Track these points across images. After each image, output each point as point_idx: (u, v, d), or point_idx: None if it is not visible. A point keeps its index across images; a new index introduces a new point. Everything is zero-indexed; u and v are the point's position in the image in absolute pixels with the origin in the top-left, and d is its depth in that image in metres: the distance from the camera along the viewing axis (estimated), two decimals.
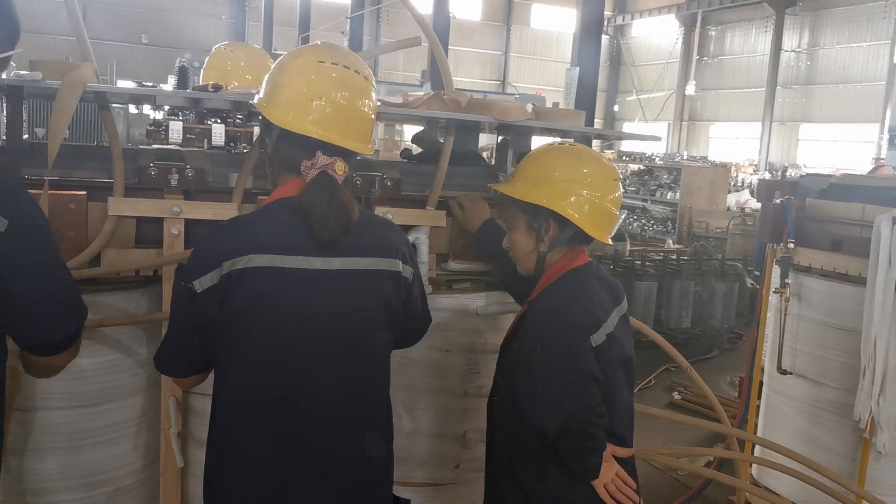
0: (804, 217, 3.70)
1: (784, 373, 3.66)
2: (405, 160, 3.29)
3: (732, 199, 13.66)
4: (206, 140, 5.61)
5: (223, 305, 1.75)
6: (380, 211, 2.52)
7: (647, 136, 2.91)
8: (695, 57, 29.74)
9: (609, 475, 2.10)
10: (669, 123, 30.76)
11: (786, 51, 27.04)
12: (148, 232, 2.42)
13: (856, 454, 3.40)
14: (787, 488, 3.65)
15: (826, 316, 3.55)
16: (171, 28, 28.82)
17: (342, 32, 22.36)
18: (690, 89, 29.00)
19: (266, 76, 1.90)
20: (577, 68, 13.51)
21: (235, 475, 1.83)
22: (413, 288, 1.99)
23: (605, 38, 32.17)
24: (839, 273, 3.49)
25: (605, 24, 31.98)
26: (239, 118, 6.92)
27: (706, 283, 7.92)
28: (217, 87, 2.23)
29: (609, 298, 2.16)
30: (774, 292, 3.71)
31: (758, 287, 8.39)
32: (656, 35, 31.71)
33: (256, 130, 10.32)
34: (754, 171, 23.71)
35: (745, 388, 4.10)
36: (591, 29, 13.86)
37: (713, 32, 29.92)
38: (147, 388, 2.52)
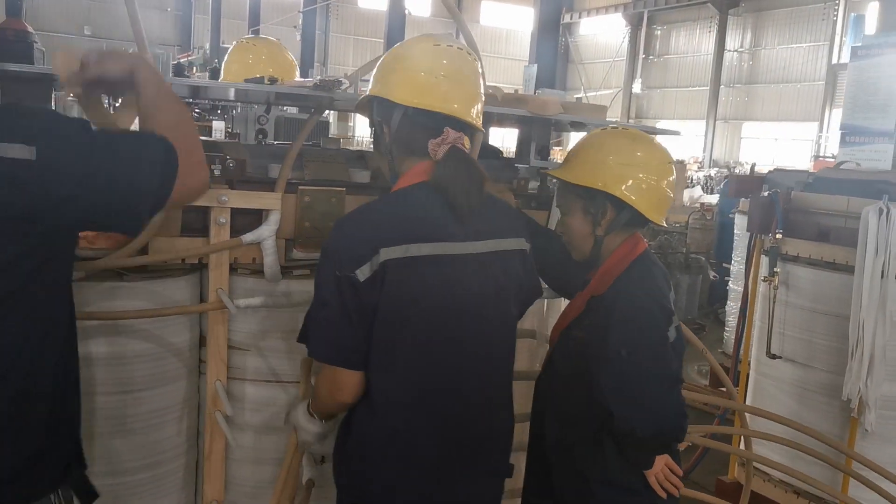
0: (790, 209, 3.89)
1: (773, 357, 3.85)
2: None
3: (686, 195, 14.02)
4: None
5: (382, 294, 1.79)
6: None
7: (670, 131, 3.04)
8: (641, 56, 30.34)
9: (659, 465, 2.18)
10: (616, 121, 31.31)
11: (729, 50, 27.76)
12: (191, 221, 2.46)
13: (843, 433, 3.60)
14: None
15: (813, 302, 3.74)
16: (115, 19, 28.24)
17: (294, 27, 22.26)
18: (637, 87, 29.58)
19: (377, 68, 1.98)
20: (535, 66, 13.72)
21: (398, 465, 1.89)
22: (531, 261, 2.08)
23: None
24: (827, 261, 3.69)
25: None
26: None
27: (671, 275, 8.15)
28: (273, 80, 2.28)
29: (666, 285, 2.22)
30: (763, 281, 3.89)
31: (719, 278, 8.70)
32: (603, 33, 32.21)
33: (219, 126, 10.32)
34: (699, 167, 24.30)
35: (732, 372, 4.29)
36: (548, 27, 14.13)
37: (659, 32, 30.54)
38: (188, 375, 2.57)
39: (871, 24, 24.41)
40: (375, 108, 1.96)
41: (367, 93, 1.98)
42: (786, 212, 3.87)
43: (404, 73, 1.89)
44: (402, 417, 1.88)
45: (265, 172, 2.60)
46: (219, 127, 10.46)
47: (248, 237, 2.45)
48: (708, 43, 28.35)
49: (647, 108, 30.98)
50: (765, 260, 3.94)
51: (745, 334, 4.13)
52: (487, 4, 32.93)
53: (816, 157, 20.91)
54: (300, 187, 2.53)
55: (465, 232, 1.90)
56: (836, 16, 24.63)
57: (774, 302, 3.82)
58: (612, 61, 31.09)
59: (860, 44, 9.00)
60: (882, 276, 3.40)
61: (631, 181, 2.20)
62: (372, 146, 2.48)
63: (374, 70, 1.99)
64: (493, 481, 2.08)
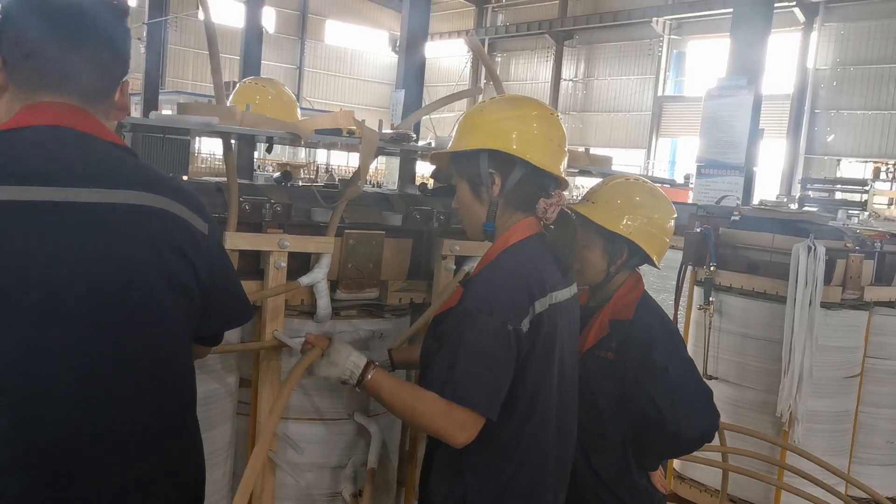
0: (719, 243, 4.34)
1: (709, 378, 4.27)
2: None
3: None
4: None
5: (535, 344, 1.93)
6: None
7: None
8: (483, 80, 31.36)
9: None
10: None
11: (565, 79, 29.28)
12: (244, 264, 2.49)
13: (774, 446, 4.05)
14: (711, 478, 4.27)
15: (744, 328, 4.19)
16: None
17: (139, 39, 21.36)
18: None
19: (488, 122, 2.06)
20: (403, 91, 13.96)
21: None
22: None
23: (391, 58, 33.10)
24: (757, 291, 4.15)
25: (398, 43, 32.88)
26: None
27: None
28: (351, 133, 2.36)
29: None
30: (699, 309, 4.31)
31: None
32: (447, 58, 33.05)
33: None
34: None
35: None
36: (414, 53, 14.39)
37: (499, 58, 31.72)
38: (233, 417, 2.59)
39: (691, 61, 26.64)
40: (488, 160, 2.03)
41: (479, 145, 2.03)
42: (716, 246, 4.31)
43: (531, 135, 2.04)
44: (539, 460, 2.04)
45: (307, 216, 2.67)
46: None
47: (305, 280, 2.52)
48: (545, 71, 29.76)
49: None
50: (697, 290, 4.36)
51: None
52: (332, 24, 32.94)
53: None
54: (346, 231, 2.62)
55: (565, 280, 2.12)
56: (661, 52, 26.61)
57: (710, 328, 4.24)
58: (456, 84, 31.94)
59: (714, 85, 9.92)
60: (810, 305, 3.88)
61: (647, 230, 2.52)
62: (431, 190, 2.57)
63: (475, 121, 2.08)
64: None
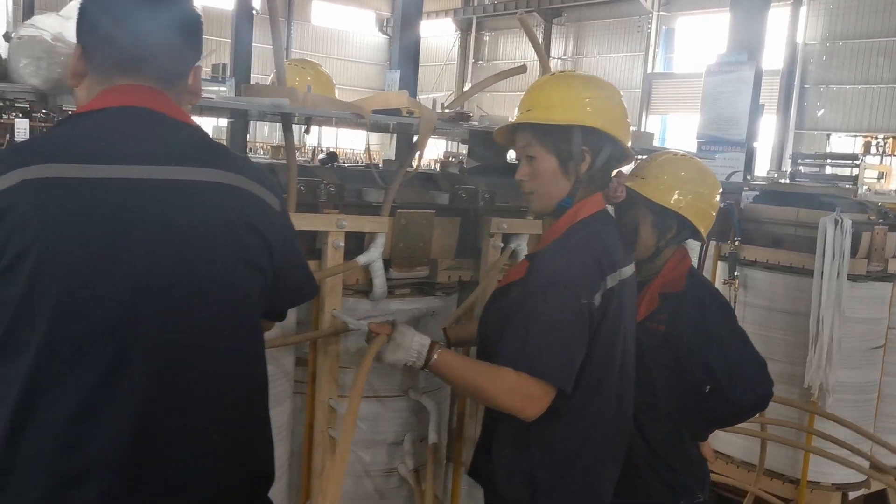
0: (741, 218, 4.37)
1: None
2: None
3: None
4: None
5: (605, 318, 1.97)
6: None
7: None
8: (471, 60, 31.29)
9: None
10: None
11: (554, 57, 29.15)
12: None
13: (803, 418, 4.11)
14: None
15: (770, 301, 4.23)
16: None
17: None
18: None
19: (583, 98, 2.07)
20: (398, 71, 13.88)
21: (587, 478, 2.06)
22: None
23: (384, 38, 32.91)
24: (783, 265, 4.19)
25: (385, 24, 32.70)
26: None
27: None
28: (410, 113, 2.36)
29: None
30: (724, 283, 4.34)
31: None
32: (435, 37, 32.86)
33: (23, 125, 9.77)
34: None
35: None
36: (409, 33, 14.31)
37: (487, 37, 31.60)
38: (291, 396, 2.61)
39: (680, 38, 26.62)
40: (581, 136, 2.04)
41: (574, 120, 2.03)
42: (739, 221, 4.34)
43: (617, 114, 2.09)
44: (602, 434, 2.07)
45: (359, 196, 2.68)
46: (23, 126, 9.94)
47: (361, 259, 2.53)
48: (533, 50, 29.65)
49: (477, 111, 31.98)
50: (721, 265, 4.40)
51: None
52: (318, 4, 32.66)
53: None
54: (398, 210, 2.63)
55: (627, 258, 2.16)
56: (650, 28, 26.56)
57: (735, 302, 4.28)
58: (444, 65, 31.84)
59: (714, 61, 9.91)
60: (837, 277, 3.92)
61: (696, 205, 2.55)
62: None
63: (565, 96, 2.07)
64: None
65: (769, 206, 4.35)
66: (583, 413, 2.03)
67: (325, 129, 11.53)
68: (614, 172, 2.19)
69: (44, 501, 1.40)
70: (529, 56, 29.39)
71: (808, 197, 4.31)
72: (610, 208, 2.23)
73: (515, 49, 30.68)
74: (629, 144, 2.17)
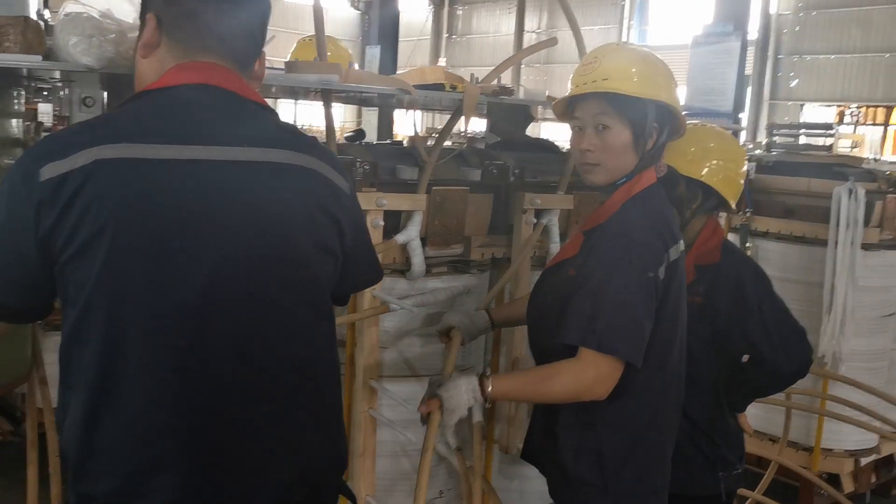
0: (752, 189, 4.38)
1: None
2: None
3: None
4: None
5: (669, 292, 1.95)
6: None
7: None
8: (444, 35, 31.07)
9: None
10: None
11: (528, 31, 29.03)
12: None
13: (816, 384, 4.14)
14: None
15: (782, 272, 4.24)
16: None
17: None
18: (442, 66, 30.29)
19: (653, 73, 2.04)
20: (378, 47, 13.79)
21: (655, 454, 2.07)
22: None
23: (356, 14, 32.54)
24: (795, 236, 4.21)
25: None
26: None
27: None
28: (453, 88, 2.32)
29: None
30: None
31: None
32: (407, 12, 32.55)
33: (45, 108, 9.60)
34: None
35: None
36: (388, 8, 14.21)
37: (461, 12, 31.37)
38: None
39: (654, 10, 26.62)
40: (655, 111, 2.01)
41: (651, 95, 2.00)
42: (749, 192, 4.34)
43: (675, 90, 2.07)
44: (665, 410, 2.06)
45: (393, 174, 2.64)
46: (45, 110, 9.77)
47: (400, 238, 2.50)
48: (508, 24, 29.48)
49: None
50: (732, 236, 4.40)
51: None
52: None
53: None
54: (434, 188, 2.59)
55: (679, 230, 2.14)
56: (624, 1, 26.52)
57: None
58: (417, 40, 31.58)
59: (700, 32, 9.94)
60: (851, 246, 3.95)
61: (721, 174, 2.52)
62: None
63: (641, 70, 2.02)
64: None
65: (781, 176, 4.35)
66: (648, 389, 2.01)
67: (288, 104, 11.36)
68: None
69: (121, 489, 1.38)
70: (504, 30, 29.33)
71: (819, 167, 4.32)
72: None
73: (489, 23, 30.51)
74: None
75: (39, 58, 1.81)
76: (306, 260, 1.51)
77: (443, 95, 2.38)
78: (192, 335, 1.39)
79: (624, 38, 26.77)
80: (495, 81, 2.49)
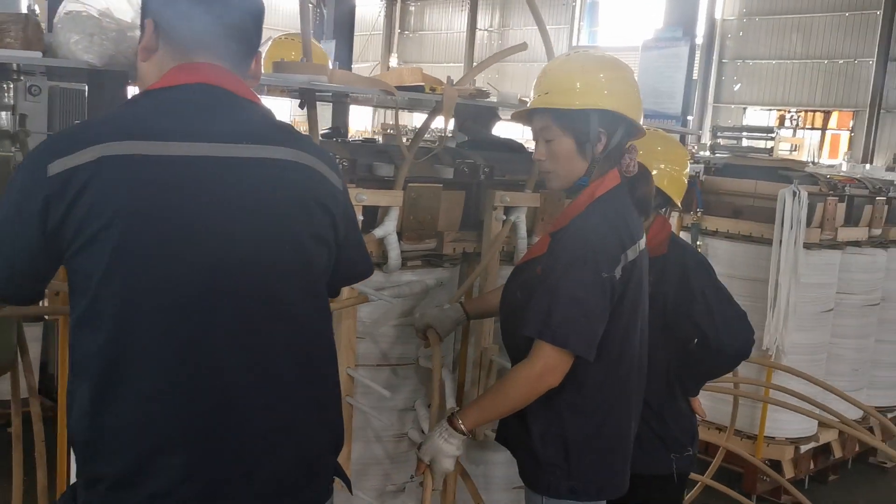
0: (703, 190, 4.59)
1: None
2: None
3: None
4: None
5: (627, 290, 2.08)
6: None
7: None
8: (397, 30, 31.08)
9: None
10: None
11: (480, 29, 29.20)
12: None
13: (761, 375, 4.37)
14: None
15: (730, 269, 4.45)
16: None
17: None
18: (394, 62, 30.28)
19: (598, 80, 2.13)
20: (334, 41, 13.78)
21: (616, 439, 2.21)
22: None
23: (309, 6, 32.33)
24: (743, 235, 4.43)
25: None
26: None
27: None
28: (433, 90, 2.43)
29: None
30: None
31: None
32: (359, 6, 32.43)
33: None
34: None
35: None
36: (345, 3, 14.19)
37: (413, 7, 31.42)
38: None
39: (604, 12, 27.02)
40: (598, 118, 2.11)
41: (590, 104, 2.10)
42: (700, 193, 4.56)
43: (629, 94, 2.16)
44: (627, 398, 2.22)
45: (370, 171, 2.74)
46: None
47: (378, 232, 2.61)
48: (461, 21, 29.60)
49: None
50: (684, 234, 4.61)
51: None
52: None
53: None
54: (409, 185, 2.70)
55: (641, 230, 2.27)
56: (575, 2, 26.86)
57: None
58: (370, 35, 31.52)
59: (650, 37, 10.20)
60: (794, 246, 4.17)
61: (668, 176, 2.71)
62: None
63: (578, 80, 2.13)
64: None
65: (730, 178, 4.56)
66: (608, 380, 2.16)
67: None
68: (631, 147, 2.30)
69: (129, 469, 1.45)
70: (456, 27, 29.44)
71: (765, 170, 4.54)
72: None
73: (442, 19, 30.62)
74: (641, 121, 2.29)
75: (39, 54, 1.86)
76: (304, 250, 1.60)
77: (423, 97, 2.49)
78: (195, 324, 1.46)
79: (574, 39, 27.13)
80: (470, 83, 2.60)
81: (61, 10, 1.89)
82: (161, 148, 1.45)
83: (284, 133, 1.63)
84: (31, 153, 1.49)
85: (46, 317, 2.75)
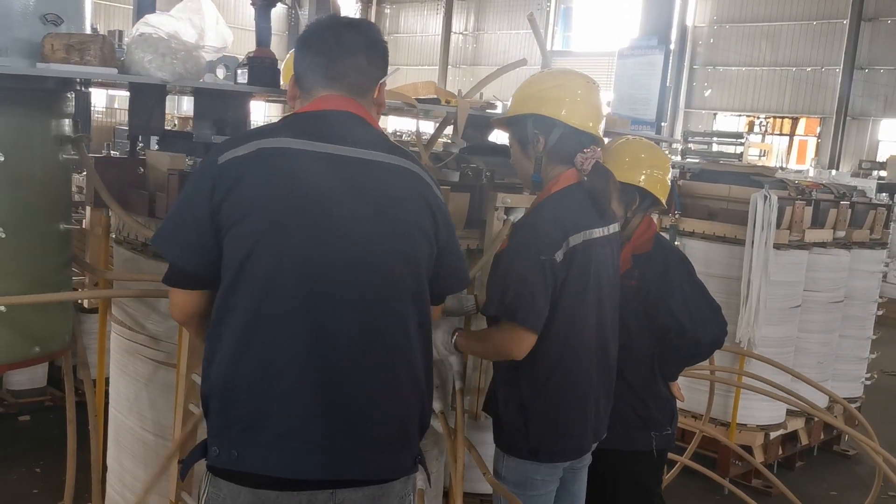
0: (681, 194, 4.92)
1: None
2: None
3: None
4: None
5: (570, 272, 2.38)
6: None
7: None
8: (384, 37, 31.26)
9: None
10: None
11: (455, 33, 29.56)
12: None
13: (735, 363, 4.71)
14: None
15: (706, 268, 4.77)
16: None
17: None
18: None
19: (533, 92, 2.50)
20: None
21: (573, 408, 2.53)
22: None
23: (282, 9, 32.40)
24: (717, 236, 4.77)
25: None
26: None
27: None
28: (448, 102, 2.71)
29: None
30: None
31: None
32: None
33: None
34: None
35: None
36: (324, 6, 14.38)
37: (388, 10, 31.67)
38: None
39: (577, 17, 27.45)
40: (533, 123, 2.48)
41: (526, 111, 2.49)
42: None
43: (568, 100, 2.48)
44: (584, 375, 2.52)
45: None
46: None
47: None
48: (436, 24, 29.93)
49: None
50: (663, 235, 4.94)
51: None
52: None
53: None
54: None
55: (602, 221, 2.56)
56: (549, 7, 27.27)
57: None
58: None
59: (626, 45, 10.54)
60: (765, 246, 4.52)
61: (655, 178, 3.00)
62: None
63: (524, 92, 2.53)
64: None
65: (705, 183, 4.91)
66: (558, 354, 2.46)
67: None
68: (586, 150, 2.55)
69: (264, 410, 1.73)
70: (431, 30, 29.75)
71: (738, 175, 4.89)
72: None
73: (417, 22, 30.91)
74: (593, 124, 2.53)
75: (115, 71, 2.12)
76: (412, 237, 1.86)
77: (439, 108, 2.77)
78: (322, 290, 1.74)
79: (548, 44, 27.48)
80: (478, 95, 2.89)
81: (134, 31, 2.15)
82: (306, 144, 1.78)
83: (396, 148, 1.95)
84: (211, 150, 1.87)
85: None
